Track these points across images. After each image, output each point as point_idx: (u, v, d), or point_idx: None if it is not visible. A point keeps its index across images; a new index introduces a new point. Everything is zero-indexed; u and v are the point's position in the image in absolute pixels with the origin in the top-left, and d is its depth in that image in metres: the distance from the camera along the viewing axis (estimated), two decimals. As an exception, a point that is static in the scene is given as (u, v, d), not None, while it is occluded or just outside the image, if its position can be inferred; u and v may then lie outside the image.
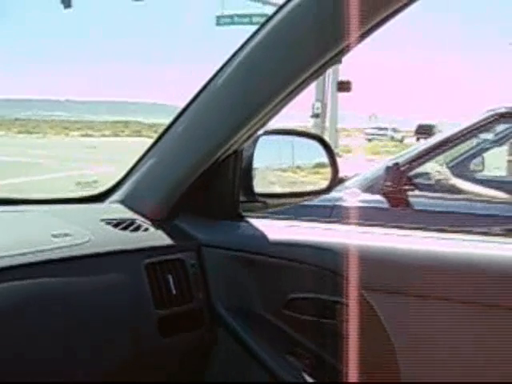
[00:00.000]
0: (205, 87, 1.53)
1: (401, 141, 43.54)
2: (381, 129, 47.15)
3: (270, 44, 1.43)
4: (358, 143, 36.01)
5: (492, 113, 3.91)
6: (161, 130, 1.63)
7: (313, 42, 1.37)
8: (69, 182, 12.19)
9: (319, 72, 1.43)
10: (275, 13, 1.42)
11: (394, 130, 48.41)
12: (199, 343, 1.57)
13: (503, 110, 3.94)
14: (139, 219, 1.58)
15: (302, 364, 1.53)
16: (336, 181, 1.76)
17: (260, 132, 1.60)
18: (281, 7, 1.41)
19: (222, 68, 1.50)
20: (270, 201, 1.70)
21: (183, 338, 1.53)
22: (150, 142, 1.64)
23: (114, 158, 16.75)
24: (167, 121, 1.62)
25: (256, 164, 1.70)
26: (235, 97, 1.50)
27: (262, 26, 1.44)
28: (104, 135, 39.70)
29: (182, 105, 1.58)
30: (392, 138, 44.28)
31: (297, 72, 1.41)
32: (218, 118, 1.52)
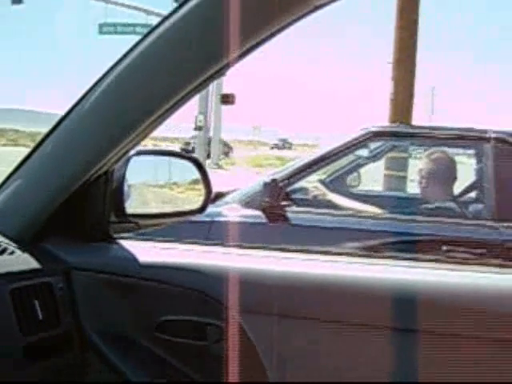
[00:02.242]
0: (76, 104, 1.49)
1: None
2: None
3: (145, 60, 1.40)
4: (241, 155, 36.40)
5: (366, 131, 4.06)
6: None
7: (193, 59, 1.36)
8: None
9: (198, 89, 1.41)
10: (154, 27, 1.39)
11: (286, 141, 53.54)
12: (68, 368, 1.53)
13: (376, 129, 4.10)
14: (4, 242, 1.51)
15: None
16: (209, 201, 1.76)
17: (132, 152, 1.58)
18: (162, 21, 1.37)
19: (94, 85, 1.46)
20: (142, 221, 1.67)
21: (51, 363, 1.48)
22: (27, 151, 1.57)
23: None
24: (47, 130, 1.55)
25: (132, 181, 1.68)
26: (106, 116, 1.46)
27: (139, 41, 1.40)
28: (-22, 144, 38.08)
29: (62, 113, 1.53)
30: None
31: (174, 90, 1.38)
32: (88, 137, 1.48)
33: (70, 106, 1.51)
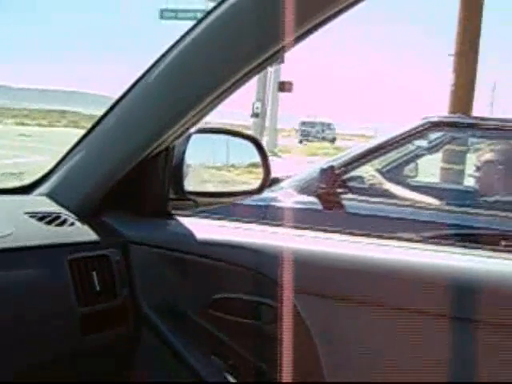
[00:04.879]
0: (138, 80, 1.50)
1: (332, 141, 41.79)
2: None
3: (206, 39, 1.42)
4: (296, 144, 36.33)
5: (426, 121, 3.98)
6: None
7: (251, 40, 1.37)
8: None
9: (256, 70, 1.42)
10: (214, 8, 1.40)
11: (328, 126, 45.78)
12: (123, 341, 1.55)
13: (436, 119, 4.02)
14: (65, 213, 1.54)
15: (227, 365, 1.52)
16: (268, 182, 1.75)
17: (193, 130, 1.58)
18: (220, 3, 1.39)
19: (156, 62, 1.48)
20: (200, 199, 1.68)
21: (106, 335, 1.50)
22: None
23: (47, 148, 16.45)
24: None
25: (189, 161, 1.69)
26: (169, 92, 1.47)
27: (200, 20, 1.42)
28: (40, 124, 38.76)
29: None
30: (323, 139, 41.84)
31: (233, 69, 1.40)
32: (150, 112, 1.50)
33: (132, 82, 1.53)
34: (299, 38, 1.35)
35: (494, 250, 1.49)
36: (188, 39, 1.43)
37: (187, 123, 1.49)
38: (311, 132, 43.49)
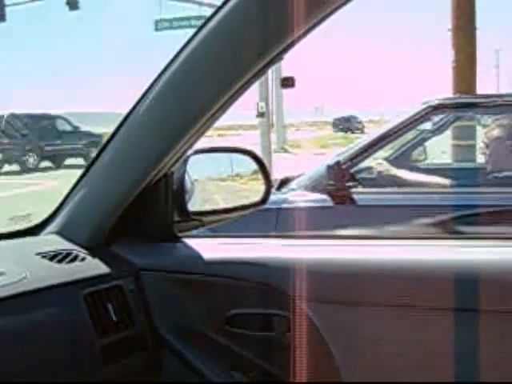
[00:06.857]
0: (133, 109, 1.52)
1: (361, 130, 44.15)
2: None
3: (200, 55, 1.40)
4: (307, 137, 36.27)
5: (426, 105, 3.98)
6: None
7: (253, 43, 1.35)
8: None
9: (259, 75, 1.40)
10: (208, 19, 1.38)
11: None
12: (144, 367, 1.58)
13: (436, 102, 4.02)
14: (75, 249, 1.57)
15: (248, 379, 1.55)
16: (270, 193, 1.78)
17: (190, 152, 1.61)
18: (216, 11, 1.36)
19: (148, 89, 1.48)
20: (206, 218, 1.70)
21: (127, 363, 1.53)
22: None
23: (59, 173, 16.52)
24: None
25: (195, 176, 1.72)
26: (162, 118, 1.49)
27: (193, 35, 1.40)
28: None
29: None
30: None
31: (234, 79, 1.38)
32: (145, 142, 1.52)
33: (127, 111, 1.55)
34: (304, 34, 1.33)
35: (493, 239, 1.51)
36: (180, 58, 1.41)
37: (183, 147, 1.50)
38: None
